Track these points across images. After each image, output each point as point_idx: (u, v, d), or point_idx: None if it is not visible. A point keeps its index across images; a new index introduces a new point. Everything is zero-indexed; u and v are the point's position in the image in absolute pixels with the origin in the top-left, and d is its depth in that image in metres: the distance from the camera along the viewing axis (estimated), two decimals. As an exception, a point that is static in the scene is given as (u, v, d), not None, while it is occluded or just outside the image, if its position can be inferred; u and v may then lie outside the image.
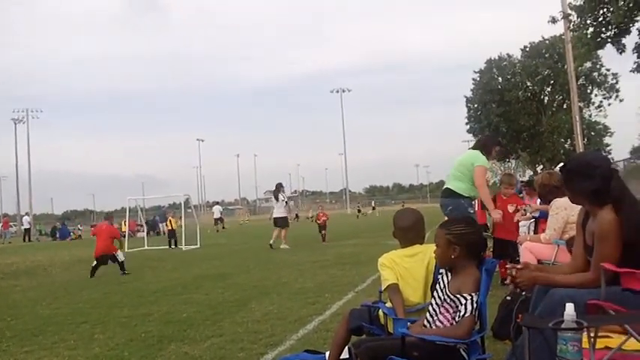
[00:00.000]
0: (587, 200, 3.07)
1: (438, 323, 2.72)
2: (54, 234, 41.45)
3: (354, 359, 2.83)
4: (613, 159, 31.36)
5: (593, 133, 42.87)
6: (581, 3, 17.14)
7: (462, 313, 2.60)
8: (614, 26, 16.73)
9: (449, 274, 2.82)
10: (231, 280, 9.17)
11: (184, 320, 5.98)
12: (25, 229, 41.58)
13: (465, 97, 45.82)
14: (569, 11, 18.48)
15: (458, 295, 2.64)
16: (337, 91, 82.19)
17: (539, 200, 7.33)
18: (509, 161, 51.19)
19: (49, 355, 4.87)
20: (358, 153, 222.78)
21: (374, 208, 57.35)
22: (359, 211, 57.20)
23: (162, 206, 37.40)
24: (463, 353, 2.59)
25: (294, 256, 13.04)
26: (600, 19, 16.96)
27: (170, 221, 20.79)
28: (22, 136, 66.18)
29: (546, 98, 44.92)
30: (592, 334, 2.70)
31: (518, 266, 2.97)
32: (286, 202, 16.50)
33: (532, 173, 40.88)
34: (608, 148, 43.96)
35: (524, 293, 3.60)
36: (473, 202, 6.93)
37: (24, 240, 39.02)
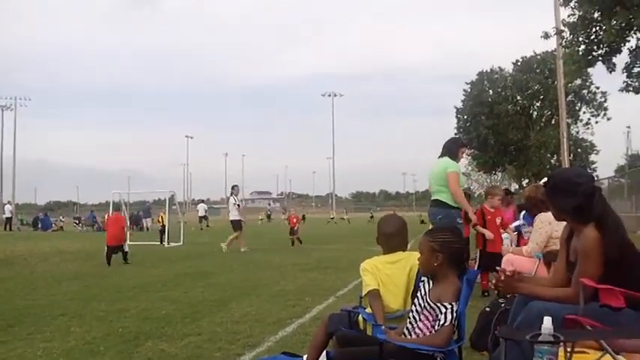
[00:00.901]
0: (569, 217, 3.08)
1: (417, 331, 2.72)
2: (36, 224, 41.01)
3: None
4: (598, 177, 31.71)
5: (579, 150, 43.28)
6: (575, 20, 17.30)
7: (441, 322, 2.61)
8: (605, 45, 16.89)
9: (430, 282, 2.83)
10: (212, 280, 9.12)
11: (162, 317, 5.94)
12: (6, 218, 41.00)
13: (455, 107, 46.13)
14: (562, 27, 18.64)
15: (438, 304, 2.64)
16: (329, 95, 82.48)
17: (523, 213, 7.39)
18: (495, 173, 51.56)
19: (23, 346, 4.81)
20: (346, 158, 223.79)
21: (342, 218, 56.29)
22: (331, 218, 57.39)
23: (147, 201, 37.20)
24: (440, 362, 2.60)
25: (276, 258, 13.02)
26: (592, 37, 17.12)
27: (162, 217, 20.67)
28: (7, 124, 65.35)
29: (535, 113, 45.32)
30: (569, 349, 2.71)
31: (508, 273, 2.97)
32: (238, 205, 16.16)
33: (517, 187, 41.20)
34: (594, 165, 44.42)
35: (503, 304, 3.63)
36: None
37: (5, 229, 38.51)
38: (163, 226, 20.18)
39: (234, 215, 15.93)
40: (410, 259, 3.17)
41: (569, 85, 31.45)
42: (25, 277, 10.03)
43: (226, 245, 15.31)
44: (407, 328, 2.77)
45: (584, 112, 43.84)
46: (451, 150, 6.93)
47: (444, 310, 2.61)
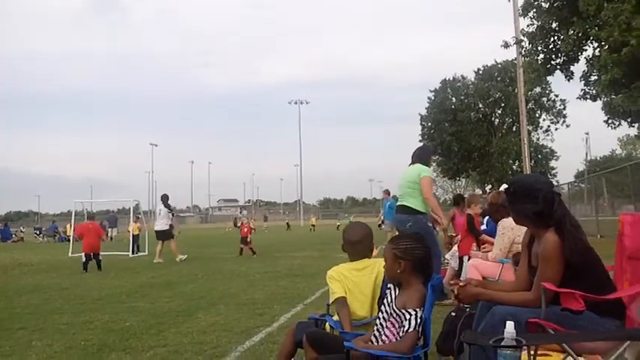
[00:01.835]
0: (529, 222, 3.14)
1: (384, 337, 2.73)
2: (-6, 236, 39.87)
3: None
4: (558, 182, 32.44)
5: (540, 156, 44.36)
6: (534, 30, 17.78)
7: (405, 328, 2.62)
8: (563, 54, 17.40)
9: (396, 289, 2.84)
10: (177, 289, 9.00)
11: (127, 329, 5.82)
12: (-37, 230, 39.81)
13: (420, 115, 46.75)
14: (522, 37, 19.11)
15: (403, 310, 2.66)
16: (295, 103, 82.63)
17: (487, 218, 7.51)
18: (459, 179, 52.40)
19: (-19, 362, 4.67)
20: (314, 165, 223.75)
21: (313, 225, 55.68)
22: (287, 224, 57.75)
23: (111, 211, 36.53)
24: (406, 368, 2.61)
25: (244, 266, 12.93)
26: (551, 46, 17.63)
27: (134, 227, 20.36)
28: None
29: (497, 120, 46.30)
30: (532, 352, 2.76)
31: (461, 283, 3.02)
32: (173, 214, 15.89)
33: (481, 192, 41.89)
34: (554, 171, 45.59)
35: (468, 309, 3.67)
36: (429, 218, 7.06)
37: (-38, 241, 37.35)
38: (136, 235, 19.88)
39: (161, 225, 15.58)
40: (376, 266, 3.19)
41: (530, 92, 32.19)
42: (-16, 290, 9.73)
43: (178, 254, 15.11)
44: (374, 335, 2.78)
45: (544, 120, 45.05)
46: (422, 157, 7.00)
47: (408, 316, 2.63)
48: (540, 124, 45.00)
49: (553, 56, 17.53)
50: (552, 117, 44.65)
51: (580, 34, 16.47)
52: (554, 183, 38.21)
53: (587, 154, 69.37)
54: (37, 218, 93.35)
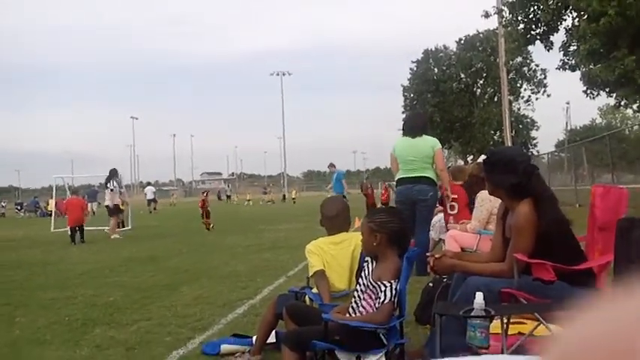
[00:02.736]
0: (505, 193, 3.21)
1: (361, 309, 2.80)
2: (-25, 211, 39.48)
3: (280, 343, 2.89)
4: (538, 152, 32.75)
5: (520, 126, 44.54)
6: (513, 0, 17.73)
7: (381, 300, 2.69)
8: (543, 24, 17.40)
9: (373, 262, 2.91)
10: (161, 264, 9.04)
11: (111, 304, 5.86)
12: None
13: (402, 85, 46.67)
14: (502, 7, 19.07)
15: (379, 282, 2.73)
16: (277, 74, 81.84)
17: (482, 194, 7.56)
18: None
19: (-35, 338, 4.68)
20: (297, 137, 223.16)
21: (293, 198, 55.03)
22: (228, 196, 58.34)
23: (92, 185, 36.17)
24: (383, 338, 2.69)
25: (228, 239, 12.98)
26: (531, 15, 17.59)
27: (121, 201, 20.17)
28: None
29: (479, 90, 46.36)
30: (505, 321, 2.85)
31: (437, 255, 3.09)
32: (112, 189, 15.37)
33: (463, 163, 42.15)
34: (535, 141, 45.88)
35: (445, 280, 3.76)
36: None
37: (-59, 217, 36.94)
38: (121, 211, 19.68)
39: (108, 200, 15.39)
40: (353, 240, 3.25)
41: (510, 62, 32.23)
42: (-34, 267, 9.68)
43: (110, 232, 14.94)
44: (351, 307, 2.85)
45: (525, 89, 45.13)
46: (425, 127, 7.07)
47: (383, 288, 2.70)
48: (521, 94, 45.18)
49: (533, 26, 17.52)
50: (533, 87, 44.79)
51: (559, 4, 16.47)
52: (535, 153, 38.60)
53: (567, 123, 69.96)
54: (18, 193, 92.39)
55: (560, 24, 17.42)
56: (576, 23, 16.36)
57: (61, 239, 14.35)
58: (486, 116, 42.99)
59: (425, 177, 6.81)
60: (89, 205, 31.48)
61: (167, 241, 13.54)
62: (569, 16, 17.05)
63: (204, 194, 17.25)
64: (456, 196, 6.96)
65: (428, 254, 3.13)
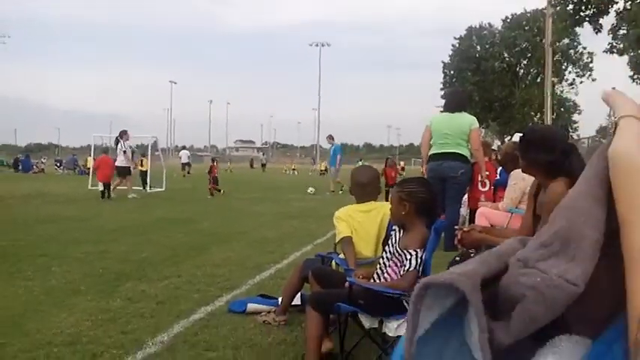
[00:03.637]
0: (540, 171, 3.18)
1: (386, 276, 2.85)
2: (16, 166, 40.62)
3: (305, 305, 2.96)
4: (579, 136, 31.96)
5: (562, 109, 43.58)
6: (565, -22, 17.23)
7: (406, 268, 2.73)
8: (593, 6, 16.88)
9: (401, 231, 2.94)
10: (192, 226, 9.23)
11: (143, 260, 6.05)
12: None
13: (443, 62, 45.99)
14: (552, -15, 18.53)
15: (405, 251, 2.76)
16: (316, 45, 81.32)
17: (500, 169, 7.52)
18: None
19: (4, 285, 4.89)
20: (332, 109, 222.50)
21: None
22: (263, 165, 58.49)
23: (130, 146, 36.86)
24: (405, 304, 2.73)
25: (258, 206, 13.16)
26: (581, -4, 17.11)
27: (142, 162, 20.58)
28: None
29: (521, 71, 45.39)
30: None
31: (465, 229, 3.10)
32: (125, 151, 15.49)
33: (500, 143, 41.52)
34: (575, 124, 44.87)
35: (472, 254, 3.77)
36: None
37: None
38: (144, 171, 20.10)
39: (120, 161, 15.44)
40: (382, 209, 3.29)
41: (557, 44, 31.37)
42: (6, 217, 10.06)
43: (130, 192, 15.21)
44: (376, 273, 2.89)
45: (569, 72, 44.00)
46: (464, 105, 7.01)
47: (409, 256, 2.74)
48: (566, 77, 44.08)
49: (583, 7, 17.02)
50: (578, 70, 43.64)
51: (612, -15, 15.97)
52: (575, 137, 37.71)
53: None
54: (58, 151, 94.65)
55: (611, 6, 16.90)
56: (628, 6, 15.81)
57: (97, 196, 14.74)
58: (527, 97, 42.14)
59: (457, 153, 6.75)
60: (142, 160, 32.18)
61: (199, 204, 13.79)
62: (620, -1, 16.51)
63: (214, 162, 18.64)
64: (487, 173, 6.93)
65: (456, 227, 3.14)
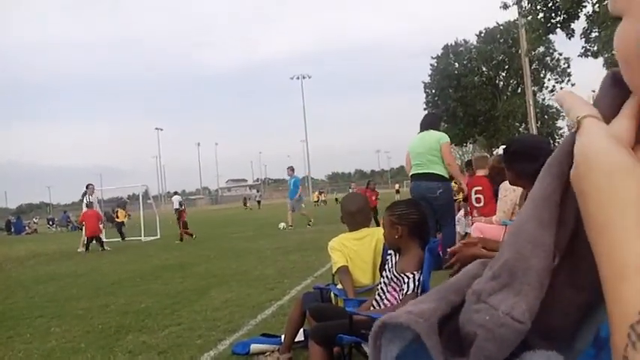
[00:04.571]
0: (527, 182, 3.19)
1: (385, 302, 2.82)
2: (8, 228, 40.36)
3: (308, 341, 2.92)
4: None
5: (546, 117, 43.96)
6: (532, -11, 17.59)
7: (404, 291, 2.71)
8: (563, 12, 17.20)
9: (397, 255, 2.92)
10: (190, 270, 9.16)
11: (142, 310, 5.97)
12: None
13: (423, 82, 46.43)
14: (521, -3, 18.91)
15: (402, 274, 2.74)
16: (297, 78, 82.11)
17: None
18: (466, 145, 52.16)
19: (3, 349, 4.81)
20: (320, 139, 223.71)
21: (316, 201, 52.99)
22: (258, 202, 58.21)
23: (121, 197, 36.79)
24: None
25: (256, 244, 13.09)
26: (550, 4, 17.42)
27: (117, 213, 20.61)
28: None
29: (501, 83, 45.88)
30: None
31: (458, 243, 3.08)
32: (87, 204, 15.61)
33: (488, 156, 41.68)
34: (561, 131, 45.17)
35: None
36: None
37: (-23, 236, 37.84)
38: (120, 222, 20.11)
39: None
40: (375, 235, 3.28)
41: (533, 53, 31.86)
42: (2, 281, 9.94)
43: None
44: (375, 300, 2.87)
45: (548, 79, 44.50)
46: (433, 124, 6.94)
47: (406, 279, 2.72)
48: (545, 84, 44.57)
49: (553, 14, 17.34)
50: (557, 76, 44.16)
51: (579, -10, 16.32)
52: (561, 143, 37.95)
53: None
54: (49, 209, 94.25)
55: (580, 11, 17.20)
56: (596, 9, 16.12)
57: (92, 251, 14.63)
58: (510, 109, 42.51)
59: (432, 173, 6.65)
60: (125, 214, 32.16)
61: (195, 247, 13.70)
62: (588, 3, 16.83)
63: (182, 207, 17.87)
64: (480, 188, 6.89)
65: (448, 249, 3.11)
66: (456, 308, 0.64)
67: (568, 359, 0.58)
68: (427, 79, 46.21)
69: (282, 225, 17.80)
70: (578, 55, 18.17)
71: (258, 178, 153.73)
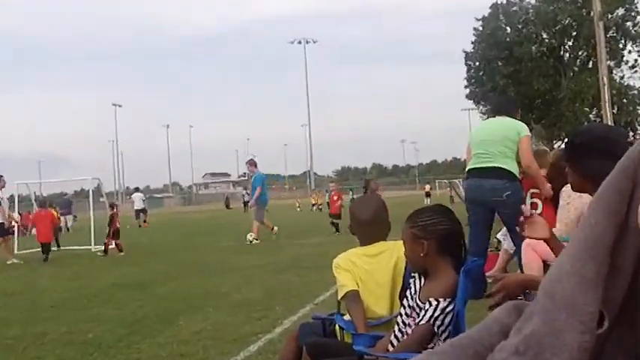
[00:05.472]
0: (597, 185, 3.17)
1: (405, 337, 2.81)
2: None
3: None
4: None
5: (625, 100, 43.73)
6: None
7: (417, 321, 2.70)
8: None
9: (422, 279, 2.89)
10: (152, 291, 9.20)
11: (90, 342, 6.01)
12: None
13: (464, 52, 46.27)
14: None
15: (426, 303, 2.71)
16: (299, 42, 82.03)
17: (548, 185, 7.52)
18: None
19: None
20: (326, 124, 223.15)
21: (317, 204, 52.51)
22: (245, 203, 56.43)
23: (65, 193, 36.89)
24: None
25: (239, 257, 13.12)
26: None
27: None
28: None
29: (567, 55, 45.70)
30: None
31: (489, 274, 3.05)
32: None
33: (548, 150, 41.57)
34: (644, 119, 44.98)
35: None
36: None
37: None
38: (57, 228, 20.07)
39: None
40: (394, 250, 3.23)
41: (609, 16, 31.75)
42: None
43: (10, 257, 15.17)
44: (394, 336, 2.85)
45: (629, 52, 44.29)
46: (510, 110, 6.81)
47: (427, 306, 2.67)
48: (625, 58, 44.40)
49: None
50: (641, 47, 44.05)
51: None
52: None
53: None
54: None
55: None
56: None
57: (27, 261, 14.67)
58: (578, 89, 42.33)
59: (500, 168, 6.49)
60: (62, 218, 32.25)
61: (160, 261, 13.75)
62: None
63: (114, 209, 17.34)
64: (537, 191, 6.81)
65: (488, 274, 3.10)
66: None
67: None
68: (469, 48, 46.08)
69: (250, 235, 17.28)
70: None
71: (244, 173, 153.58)
